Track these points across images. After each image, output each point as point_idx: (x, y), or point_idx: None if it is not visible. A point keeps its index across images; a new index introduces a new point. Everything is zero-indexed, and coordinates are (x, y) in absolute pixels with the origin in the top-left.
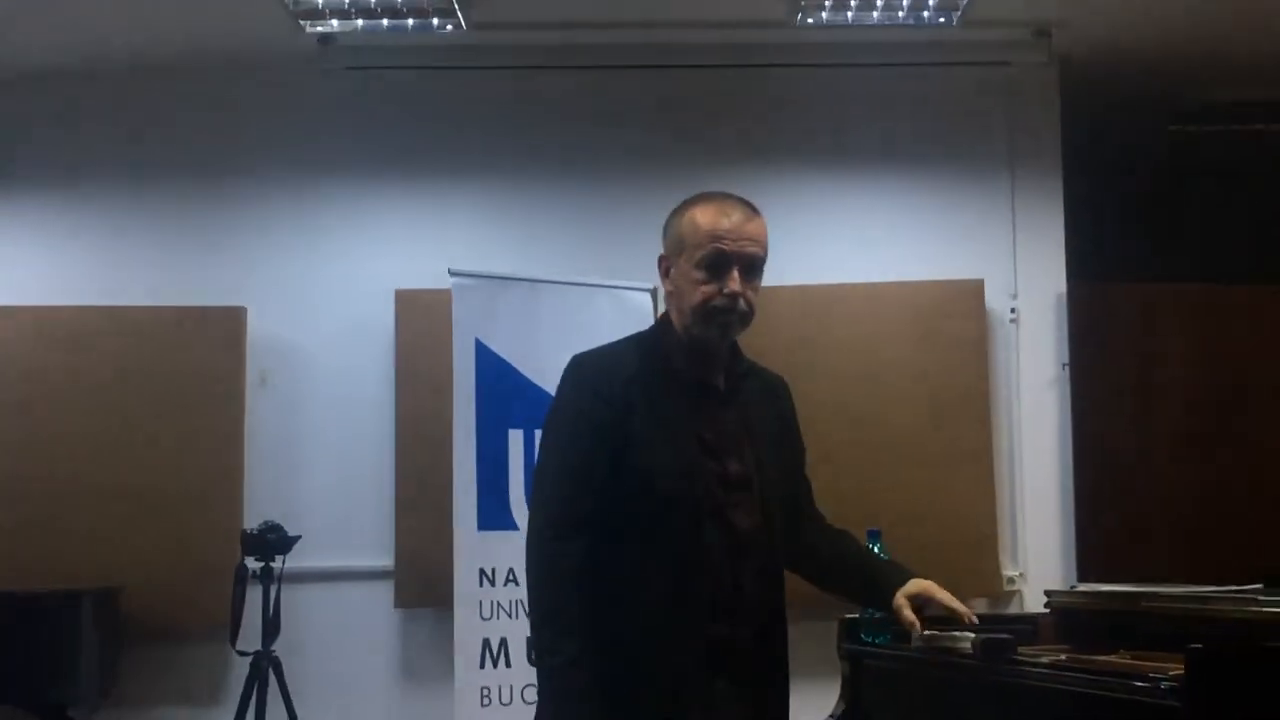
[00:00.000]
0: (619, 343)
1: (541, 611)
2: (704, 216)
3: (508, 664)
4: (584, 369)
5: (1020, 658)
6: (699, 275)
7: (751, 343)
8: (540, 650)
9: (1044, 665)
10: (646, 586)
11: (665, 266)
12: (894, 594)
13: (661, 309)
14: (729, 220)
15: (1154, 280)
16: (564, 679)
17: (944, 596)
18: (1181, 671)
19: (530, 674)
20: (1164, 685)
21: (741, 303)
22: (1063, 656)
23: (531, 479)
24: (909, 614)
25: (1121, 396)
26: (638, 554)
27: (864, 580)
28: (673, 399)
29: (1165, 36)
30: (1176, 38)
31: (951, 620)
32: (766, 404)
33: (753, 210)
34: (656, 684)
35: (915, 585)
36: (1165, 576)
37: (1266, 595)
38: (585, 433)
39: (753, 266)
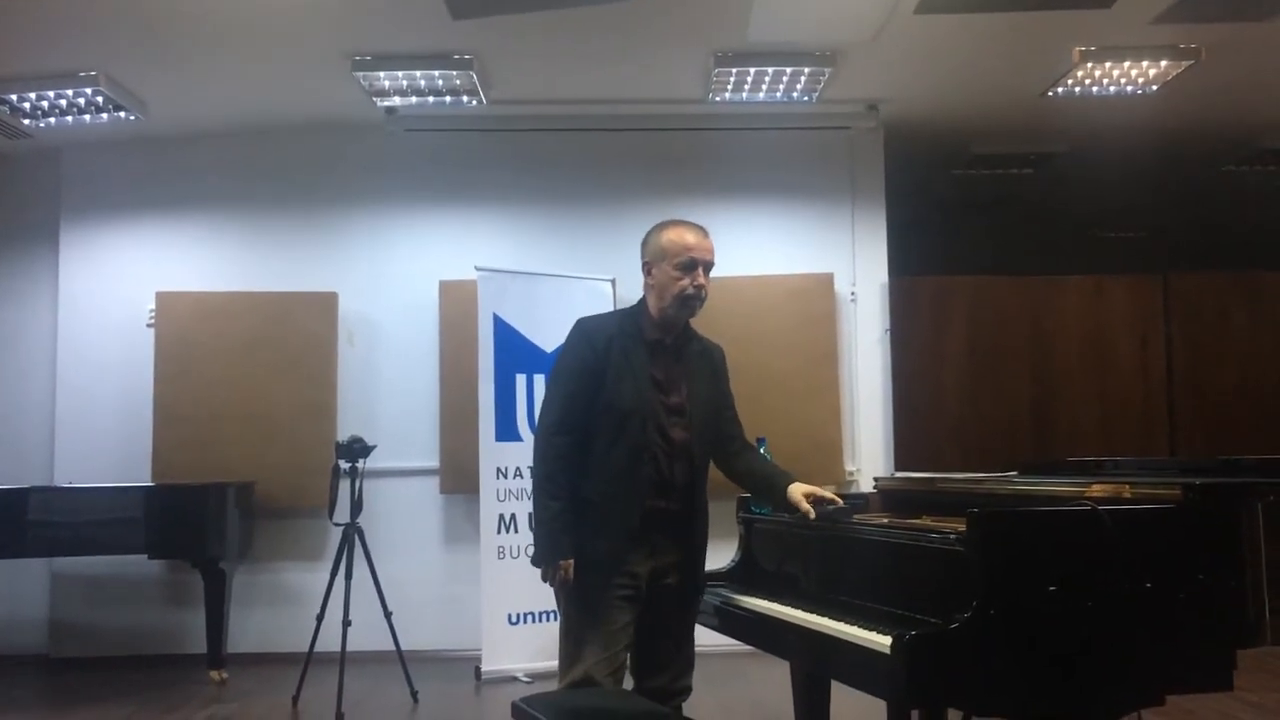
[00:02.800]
0: (611, 313)
1: (538, 481)
2: (681, 235)
3: (515, 530)
4: (582, 327)
5: (855, 521)
6: (678, 274)
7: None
8: (536, 506)
9: (872, 525)
10: (611, 469)
11: (649, 268)
12: (785, 492)
13: (622, 296)
14: (696, 238)
15: (944, 274)
16: (551, 523)
17: (818, 491)
18: (964, 527)
19: (530, 538)
20: (952, 536)
21: (704, 291)
22: (885, 520)
23: (545, 397)
24: (805, 505)
25: (923, 351)
26: (607, 448)
27: (768, 484)
28: (637, 352)
29: (951, 110)
30: (958, 111)
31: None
32: (704, 361)
33: (706, 232)
34: (615, 533)
35: (799, 487)
36: (952, 467)
37: (1019, 478)
38: (578, 369)
39: (709, 268)
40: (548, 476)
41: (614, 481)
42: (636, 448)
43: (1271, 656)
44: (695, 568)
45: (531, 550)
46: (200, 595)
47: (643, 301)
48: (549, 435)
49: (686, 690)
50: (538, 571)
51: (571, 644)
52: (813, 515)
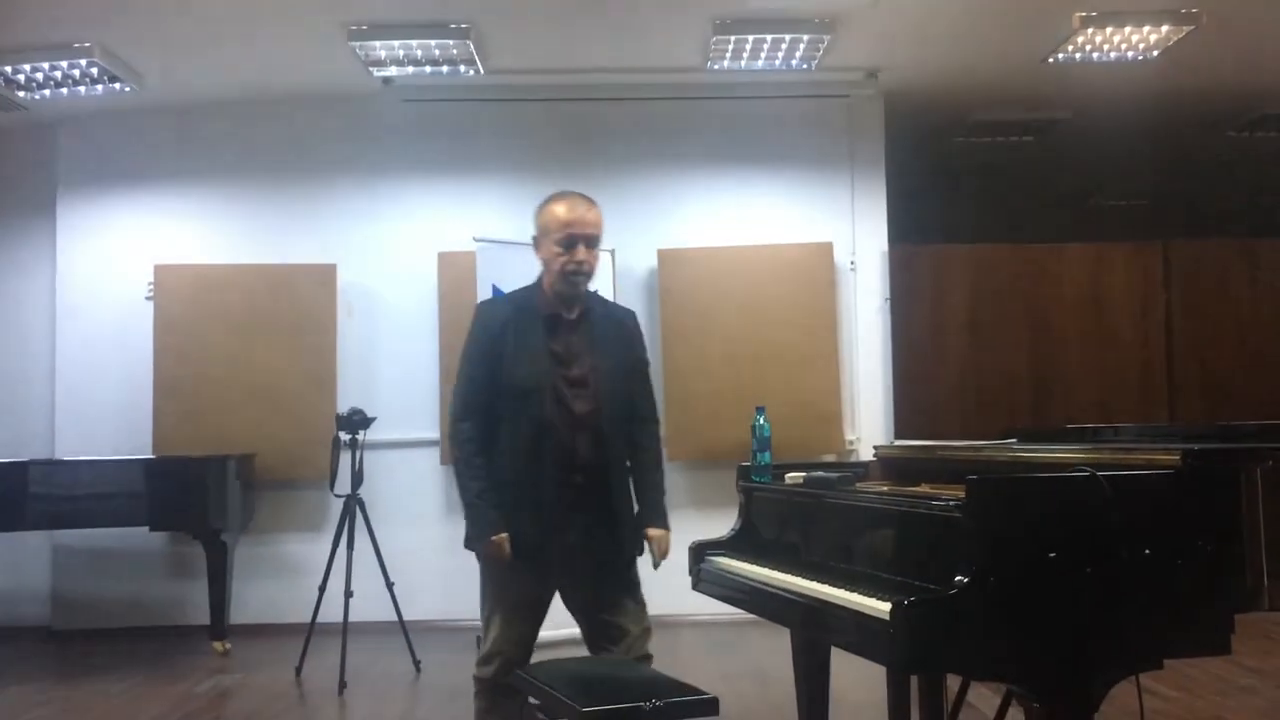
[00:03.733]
0: (510, 293)
1: (457, 466)
2: (560, 211)
3: None
4: (479, 311)
5: (855, 489)
6: (558, 250)
7: (677, 284)
8: (460, 489)
9: (871, 492)
10: (517, 448)
11: (536, 244)
12: (645, 528)
13: (621, 266)
14: (574, 213)
15: (943, 242)
16: (476, 502)
17: (658, 548)
18: (963, 494)
19: None
20: (951, 503)
21: (585, 266)
22: (885, 488)
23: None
24: (650, 549)
25: (922, 319)
26: (512, 428)
27: (639, 503)
28: (534, 328)
29: (951, 78)
30: (958, 79)
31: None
32: (612, 328)
33: (591, 203)
34: (528, 507)
35: (654, 532)
36: (950, 434)
37: (1016, 445)
38: (476, 354)
39: (592, 242)
40: (464, 460)
41: (520, 459)
42: (538, 424)
43: (1269, 622)
44: (619, 540)
45: None
46: (202, 567)
47: (539, 279)
48: (455, 422)
49: (646, 659)
50: None
51: (485, 622)
52: (654, 567)
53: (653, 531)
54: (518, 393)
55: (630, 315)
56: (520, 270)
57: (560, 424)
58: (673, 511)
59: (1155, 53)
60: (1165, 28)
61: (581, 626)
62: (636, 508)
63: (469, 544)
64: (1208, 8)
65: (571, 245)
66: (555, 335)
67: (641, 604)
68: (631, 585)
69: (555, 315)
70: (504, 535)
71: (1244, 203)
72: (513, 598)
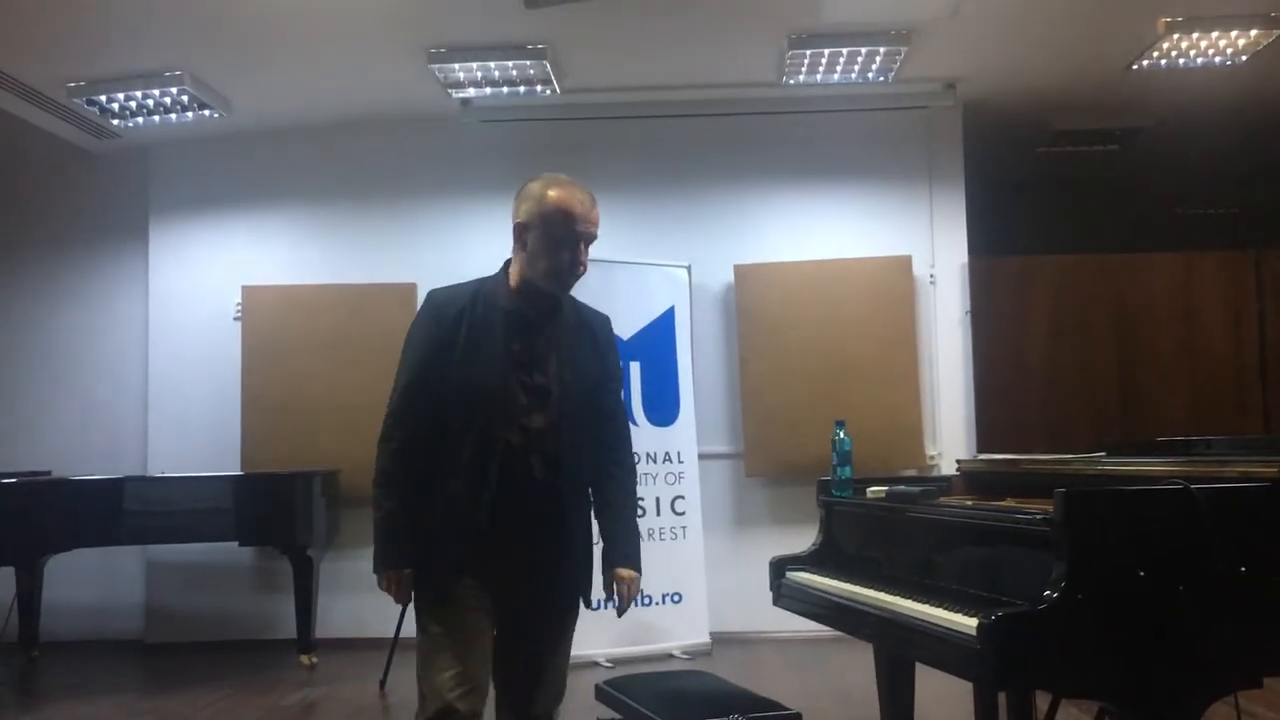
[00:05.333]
0: (465, 283)
1: (375, 477)
2: (565, 202)
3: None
4: (431, 301)
5: (939, 503)
6: (554, 247)
7: (753, 300)
8: (374, 505)
9: (955, 506)
10: (459, 462)
11: (520, 231)
12: (612, 567)
13: (698, 283)
14: (582, 207)
15: (1025, 254)
16: (383, 525)
17: (625, 590)
18: (1050, 507)
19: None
20: (1039, 517)
21: (582, 269)
22: (969, 502)
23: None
24: (616, 590)
25: (1004, 332)
26: (457, 437)
27: (605, 537)
28: (493, 325)
29: (1032, 87)
30: (1039, 88)
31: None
32: (581, 334)
33: (591, 196)
34: (459, 534)
35: (624, 572)
36: (1035, 449)
37: (1106, 459)
38: (423, 350)
39: (592, 242)
40: (384, 473)
41: (461, 475)
42: (487, 436)
43: None
44: (568, 578)
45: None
46: (289, 581)
47: (504, 268)
48: (386, 428)
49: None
50: None
51: (422, 666)
52: (617, 614)
53: (622, 571)
54: (468, 398)
55: (605, 321)
56: (598, 289)
57: (514, 438)
58: (752, 527)
59: (1243, 58)
60: (1254, 31)
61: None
62: (600, 548)
63: (374, 569)
64: None
65: (573, 243)
66: (516, 334)
67: (562, 674)
68: (559, 647)
69: (518, 312)
70: (407, 572)
71: None
72: (448, 632)
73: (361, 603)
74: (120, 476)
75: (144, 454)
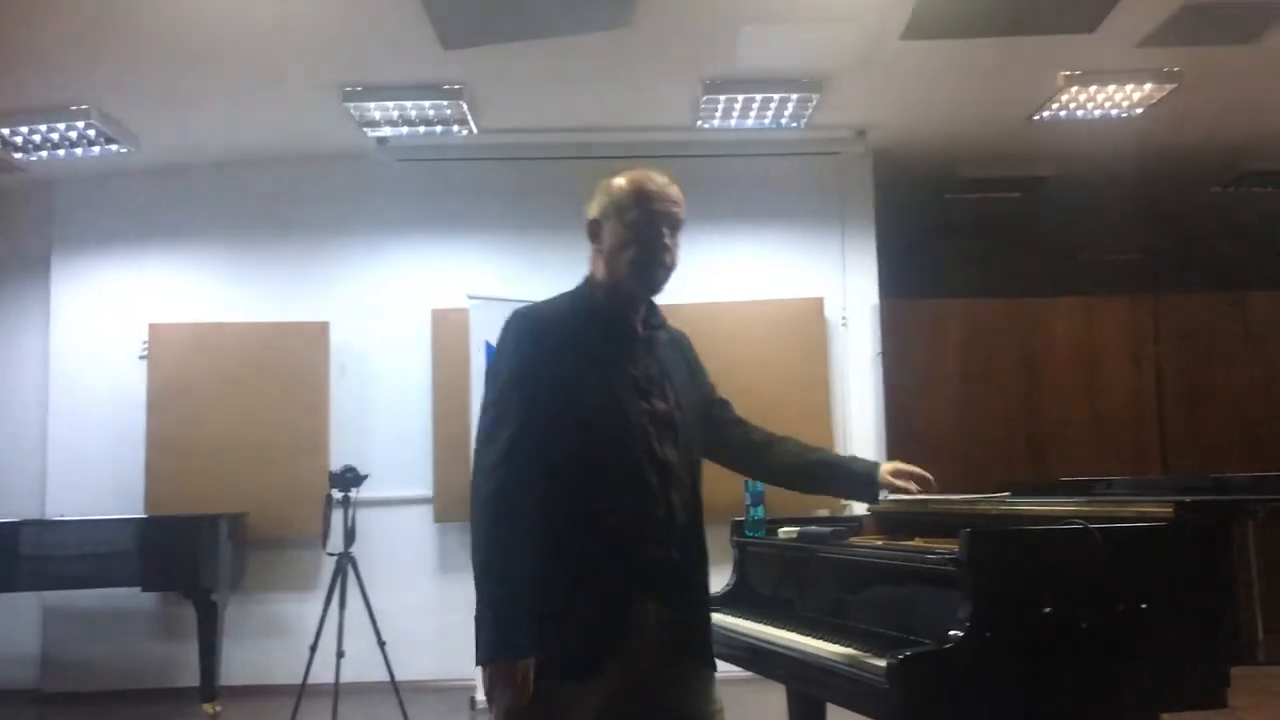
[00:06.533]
0: (554, 299)
1: (480, 542)
2: (641, 183)
3: None
4: (526, 321)
5: (849, 543)
6: (635, 234)
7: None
8: (479, 579)
9: (866, 546)
10: (591, 517)
11: (596, 229)
12: (875, 479)
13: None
14: (663, 189)
15: (934, 297)
16: (503, 604)
17: (905, 466)
18: (957, 547)
19: None
20: (946, 557)
21: (672, 258)
22: (879, 542)
23: (484, 422)
24: (907, 484)
25: (914, 374)
26: (583, 486)
27: (844, 472)
28: (605, 344)
29: (939, 135)
30: (946, 136)
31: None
32: (675, 351)
33: (671, 178)
34: (596, 605)
35: (891, 464)
36: (947, 489)
37: (1010, 499)
38: (530, 376)
39: (678, 228)
40: (497, 540)
41: (595, 535)
42: (624, 480)
43: (1266, 675)
44: (705, 642)
45: None
46: (193, 627)
47: (592, 279)
48: (494, 476)
49: None
50: None
51: None
52: (917, 490)
53: (890, 464)
54: (597, 437)
55: (685, 336)
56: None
57: (653, 480)
58: None
59: (1140, 110)
60: (1148, 86)
61: None
62: (824, 479)
63: (481, 659)
64: (1189, 66)
65: (656, 226)
66: (626, 353)
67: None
68: (711, 697)
69: (626, 328)
70: (528, 661)
71: (1231, 257)
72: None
73: (268, 648)
74: (16, 520)
75: (42, 496)
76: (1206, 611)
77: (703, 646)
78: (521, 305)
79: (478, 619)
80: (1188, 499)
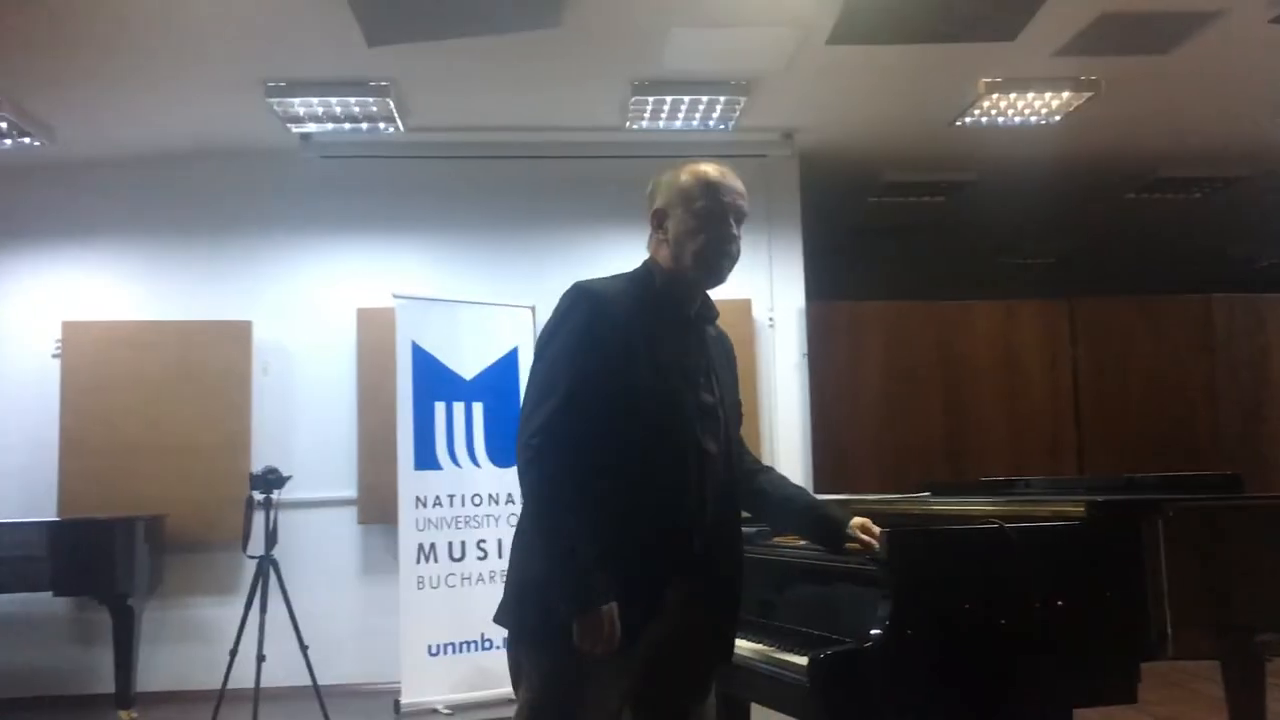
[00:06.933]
0: (614, 277)
1: (542, 502)
2: (708, 174)
3: (435, 560)
4: (586, 293)
5: (773, 543)
6: (701, 223)
7: None
8: (548, 534)
9: (789, 547)
10: (632, 499)
11: (660, 217)
12: (843, 528)
13: (541, 325)
14: (730, 180)
15: (859, 299)
16: (578, 555)
17: (875, 529)
18: (878, 546)
19: (450, 565)
20: (867, 557)
21: (737, 249)
22: (802, 542)
23: (531, 390)
24: (869, 539)
25: (839, 375)
26: (621, 468)
27: (815, 522)
28: (661, 328)
29: (863, 140)
30: (870, 141)
31: None
32: (720, 349)
33: (734, 172)
34: (630, 588)
35: (860, 520)
36: (869, 488)
37: (931, 499)
38: (588, 352)
39: (743, 220)
40: (556, 497)
41: (625, 517)
42: (664, 467)
43: (1175, 670)
44: (728, 635)
45: (453, 579)
46: (108, 633)
47: (653, 263)
48: (547, 443)
49: None
50: (458, 602)
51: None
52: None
53: (858, 520)
54: (647, 420)
55: (728, 338)
56: (441, 329)
57: (693, 469)
58: None
59: (1058, 117)
60: (1066, 94)
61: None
62: (805, 527)
63: (566, 615)
64: (1106, 76)
65: (724, 216)
66: (678, 341)
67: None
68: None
69: (680, 314)
70: (613, 605)
71: (1144, 261)
72: (617, 696)
73: (187, 653)
74: None
75: None
76: (1118, 608)
77: (723, 644)
78: (583, 280)
79: (543, 581)
80: (1100, 499)
